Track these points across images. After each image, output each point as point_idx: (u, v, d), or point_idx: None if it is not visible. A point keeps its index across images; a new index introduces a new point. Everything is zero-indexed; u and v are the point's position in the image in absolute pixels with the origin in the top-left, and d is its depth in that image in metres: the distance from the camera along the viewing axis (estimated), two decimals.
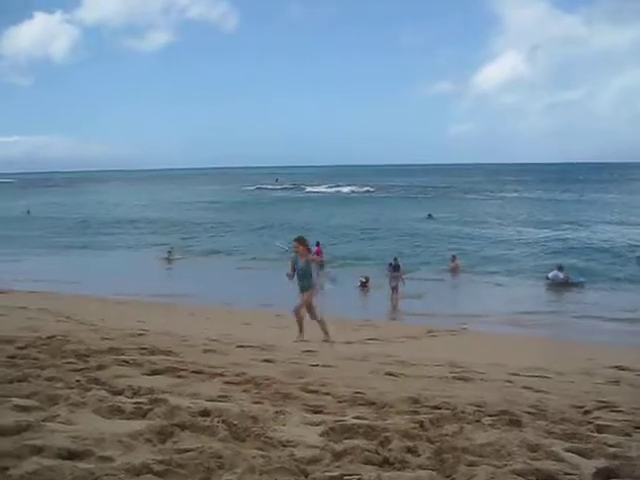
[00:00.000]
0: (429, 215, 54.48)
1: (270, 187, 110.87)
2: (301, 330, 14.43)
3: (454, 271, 30.51)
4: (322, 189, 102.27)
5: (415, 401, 6.81)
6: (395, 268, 24.80)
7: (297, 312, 14.57)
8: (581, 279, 27.12)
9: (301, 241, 15.23)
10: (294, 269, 14.78)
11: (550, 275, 26.86)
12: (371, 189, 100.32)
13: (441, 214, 56.74)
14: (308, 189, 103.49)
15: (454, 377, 9.26)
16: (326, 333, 14.34)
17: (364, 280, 26.90)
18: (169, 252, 35.47)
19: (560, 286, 26.17)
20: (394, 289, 24.59)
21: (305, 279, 14.63)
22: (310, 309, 14.60)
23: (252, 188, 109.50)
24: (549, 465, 4.50)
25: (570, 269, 27.94)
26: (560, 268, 26.83)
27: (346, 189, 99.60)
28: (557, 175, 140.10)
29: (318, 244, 34.54)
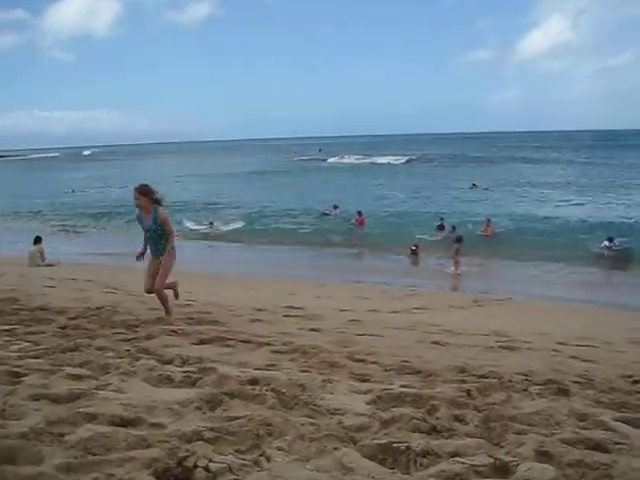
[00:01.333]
0: (473, 184, 53.57)
1: (306, 157, 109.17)
2: (167, 310, 10.43)
3: (488, 236, 30.08)
4: (362, 159, 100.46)
5: (462, 370, 6.81)
6: (458, 240, 24.15)
7: (154, 287, 10.24)
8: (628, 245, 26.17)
9: (143, 191, 10.09)
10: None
11: (601, 247, 25.92)
12: (413, 157, 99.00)
13: (486, 183, 55.79)
14: (345, 159, 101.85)
15: (500, 346, 9.20)
16: (166, 309, 10.38)
17: (414, 248, 26.61)
18: (211, 224, 35.38)
19: (610, 258, 25.28)
20: (453, 259, 23.82)
21: (155, 242, 10.30)
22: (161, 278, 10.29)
23: (295, 159, 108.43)
24: (598, 434, 4.47)
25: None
26: (610, 239, 25.75)
27: (387, 159, 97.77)
28: (604, 142, 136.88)
29: (360, 213, 34.43)
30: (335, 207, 37.66)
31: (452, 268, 23.47)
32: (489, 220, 30.68)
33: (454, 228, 29.66)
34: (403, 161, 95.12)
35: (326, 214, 37.27)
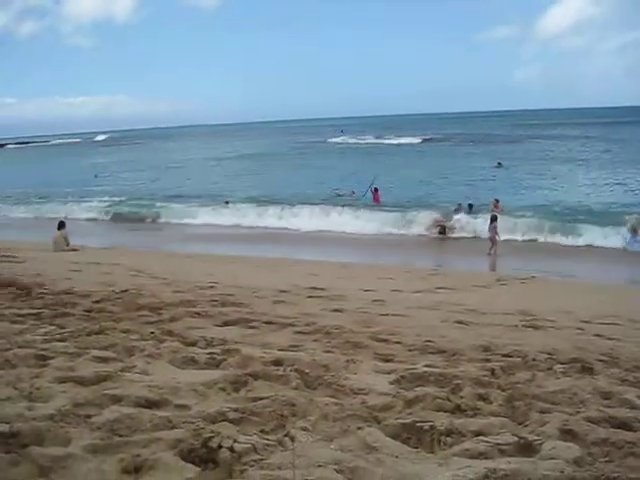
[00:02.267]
0: (499, 163, 52.98)
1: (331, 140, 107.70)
2: None
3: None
4: (381, 140, 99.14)
5: (486, 349, 6.80)
6: (492, 219, 23.79)
7: None
8: None
9: None
10: None
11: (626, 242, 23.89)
12: (434, 136, 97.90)
13: (512, 162, 55.22)
14: (372, 140, 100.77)
15: (524, 325, 9.18)
16: None
17: (442, 227, 26.65)
18: (226, 202, 35.36)
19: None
20: (491, 240, 23.40)
21: None
22: None
23: (313, 140, 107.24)
24: (623, 412, 4.45)
25: None
26: (635, 230, 23.94)
27: (407, 139, 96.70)
28: (632, 117, 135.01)
29: (376, 190, 34.19)
30: (353, 192, 36.95)
31: (493, 248, 23.20)
32: (497, 200, 29.75)
33: (470, 207, 29.64)
34: (419, 141, 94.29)
35: (340, 195, 36.79)
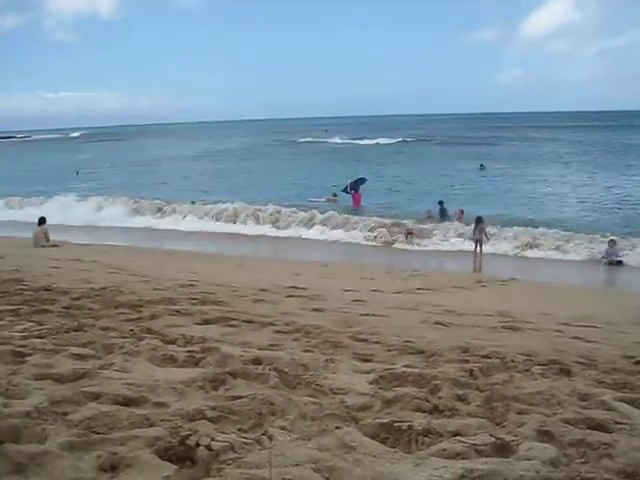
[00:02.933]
0: (481, 165, 53.06)
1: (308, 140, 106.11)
2: None
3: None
4: (361, 140, 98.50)
5: (465, 350, 6.82)
6: (478, 220, 23.46)
7: None
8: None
9: None
10: None
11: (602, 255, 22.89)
12: (415, 138, 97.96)
13: (494, 164, 55.31)
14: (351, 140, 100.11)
15: (503, 327, 9.21)
16: None
17: (408, 233, 26.40)
18: (192, 202, 34.71)
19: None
20: (477, 242, 23.34)
21: None
22: None
23: (300, 140, 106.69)
24: (599, 414, 4.49)
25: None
26: (612, 242, 22.91)
27: (388, 140, 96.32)
28: (610, 122, 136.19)
29: (356, 189, 34.00)
30: (334, 195, 36.12)
31: (478, 249, 23.30)
32: (462, 211, 28.91)
33: (443, 212, 29.81)
34: (399, 140, 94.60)
35: (312, 201, 35.64)
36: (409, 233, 26.17)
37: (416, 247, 25.54)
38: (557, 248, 24.20)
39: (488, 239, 23.51)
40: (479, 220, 23.52)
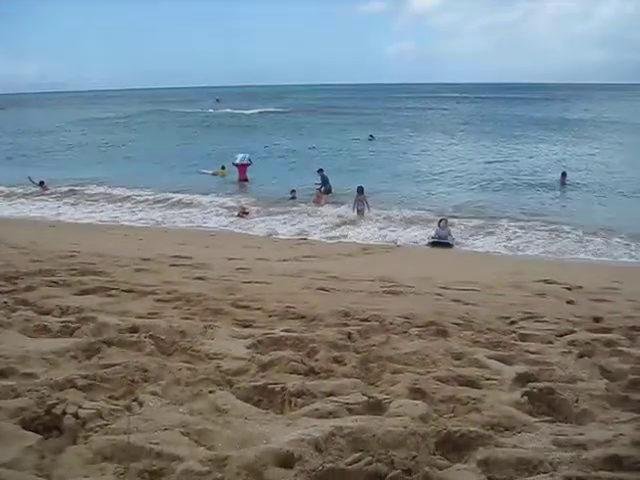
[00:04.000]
0: (371, 136, 53.27)
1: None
2: None
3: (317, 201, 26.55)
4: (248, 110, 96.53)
5: (345, 314, 6.92)
6: (359, 190, 23.36)
7: None
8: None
9: None
10: None
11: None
12: (309, 108, 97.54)
13: (383, 135, 55.78)
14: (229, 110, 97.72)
15: (385, 291, 9.39)
16: None
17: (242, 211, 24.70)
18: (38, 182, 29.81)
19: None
20: (360, 212, 23.33)
21: None
22: None
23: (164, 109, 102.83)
24: (471, 371, 4.67)
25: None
26: (444, 222, 20.79)
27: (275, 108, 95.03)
28: (493, 94, 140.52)
29: (243, 165, 31.66)
30: (223, 168, 33.51)
31: (358, 213, 23.47)
32: (320, 191, 27.27)
33: (320, 172, 28.60)
34: (288, 110, 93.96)
35: (203, 173, 33.87)
36: (244, 212, 24.48)
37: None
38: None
39: (369, 209, 23.48)
40: (360, 190, 23.67)
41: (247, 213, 24.37)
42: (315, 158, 38.91)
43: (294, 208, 24.98)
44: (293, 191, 27.32)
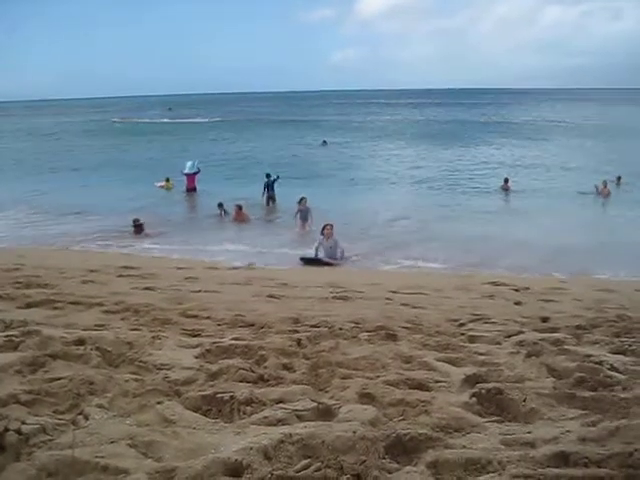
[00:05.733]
0: (324, 142, 53.63)
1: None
2: None
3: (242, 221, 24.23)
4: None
5: (295, 321, 6.92)
6: (300, 201, 22.41)
7: None
8: None
9: None
10: None
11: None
12: (244, 117, 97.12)
13: (335, 139, 56.43)
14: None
15: (334, 297, 9.41)
16: None
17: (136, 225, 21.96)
18: None
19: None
20: (303, 220, 22.16)
21: None
22: None
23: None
24: (420, 374, 4.70)
25: None
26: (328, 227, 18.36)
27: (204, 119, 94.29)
28: (440, 99, 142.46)
29: (193, 173, 30.43)
30: (167, 180, 31.84)
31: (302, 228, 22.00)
32: (239, 207, 24.19)
33: (268, 177, 27.29)
34: (238, 119, 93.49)
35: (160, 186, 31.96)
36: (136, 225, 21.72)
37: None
38: None
39: (312, 219, 21.96)
40: (302, 200, 22.39)
41: (141, 230, 21.56)
42: (264, 165, 38.27)
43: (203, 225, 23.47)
44: (220, 205, 24.84)
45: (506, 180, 29.86)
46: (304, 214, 22.19)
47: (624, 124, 67.57)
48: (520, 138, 56.62)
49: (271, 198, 27.09)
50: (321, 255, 17.36)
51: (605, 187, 27.77)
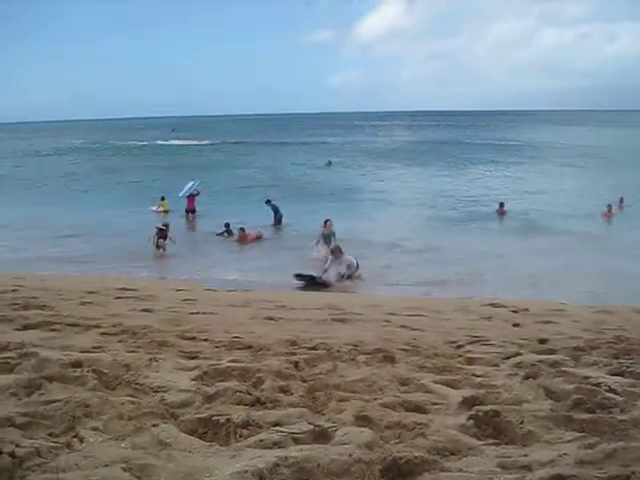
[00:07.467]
0: (329, 162, 53.86)
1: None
2: None
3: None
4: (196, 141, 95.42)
5: (293, 343, 6.90)
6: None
7: None
8: None
9: None
10: None
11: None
12: (252, 139, 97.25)
13: (339, 159, 57.09)
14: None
15: (333, 319, 9.39)
16: None
17: (242, 229, 23.72)
18: None
19: None
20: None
21: None
22: None
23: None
24: (417, 397, 4.69)
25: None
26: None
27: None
28: (438, 122, 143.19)
29: (193, 195, 30.51)
30: (162, 198, 31.38)
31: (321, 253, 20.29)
32: (243, 229, 24.19)
33: (268, 203, 27.36)
34: (240, 141, 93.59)
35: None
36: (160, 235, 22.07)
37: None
38: None
39: (334, 243, 19.96)
40: (327, 222, 21.11)
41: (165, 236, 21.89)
42: (266, 187, 38.32)
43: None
44: (227, 225, 24.82)
45: (501, 204, 29.79)
46: (328, 238, 20.67)
47: (623, 146, 68.02)
48: (519, 159, 57.11)
49: (278, 221, 27.09)
50: (327, 266, 17.53)
51: (610, 211, 27.88)
